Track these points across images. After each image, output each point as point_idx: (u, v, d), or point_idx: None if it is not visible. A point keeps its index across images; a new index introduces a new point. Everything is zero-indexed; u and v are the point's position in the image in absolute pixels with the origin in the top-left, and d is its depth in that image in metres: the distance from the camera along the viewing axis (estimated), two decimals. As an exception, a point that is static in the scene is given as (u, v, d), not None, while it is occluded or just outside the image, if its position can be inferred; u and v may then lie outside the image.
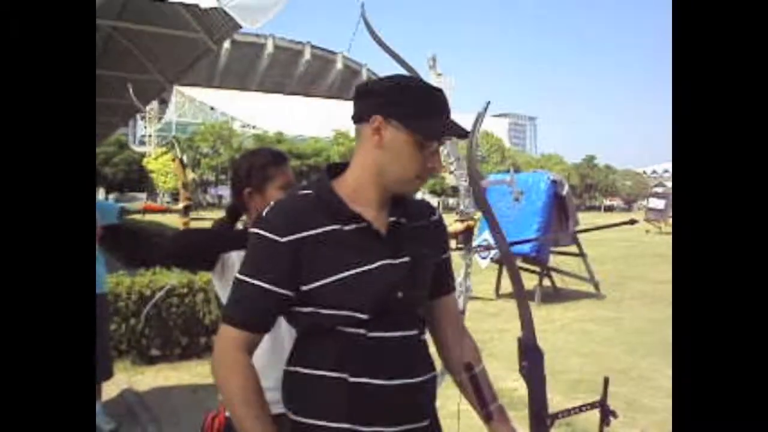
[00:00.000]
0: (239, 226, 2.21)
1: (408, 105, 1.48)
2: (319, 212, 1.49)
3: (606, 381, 1.67)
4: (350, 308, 1.46)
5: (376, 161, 1.50)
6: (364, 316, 1.46)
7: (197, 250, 2.13)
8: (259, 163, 2.11)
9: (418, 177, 1.53)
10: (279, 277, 1.45)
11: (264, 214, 1.50)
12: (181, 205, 4.46)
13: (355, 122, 1.54)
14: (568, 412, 1.62)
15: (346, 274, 1.45)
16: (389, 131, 1.48)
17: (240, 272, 1.49)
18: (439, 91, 1.53)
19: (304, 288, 1.46)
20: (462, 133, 1.55)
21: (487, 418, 1.59)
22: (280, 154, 2.18)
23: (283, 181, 2.11)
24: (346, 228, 1.48)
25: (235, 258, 2.03)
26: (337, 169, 1.59)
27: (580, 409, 1.65)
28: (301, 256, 1.45)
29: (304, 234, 1.46)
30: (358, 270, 1.46)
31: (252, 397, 1.44)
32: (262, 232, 1.47)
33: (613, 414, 1.66)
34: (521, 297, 1.62)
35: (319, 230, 1.47)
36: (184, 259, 2.30)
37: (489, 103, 1.66)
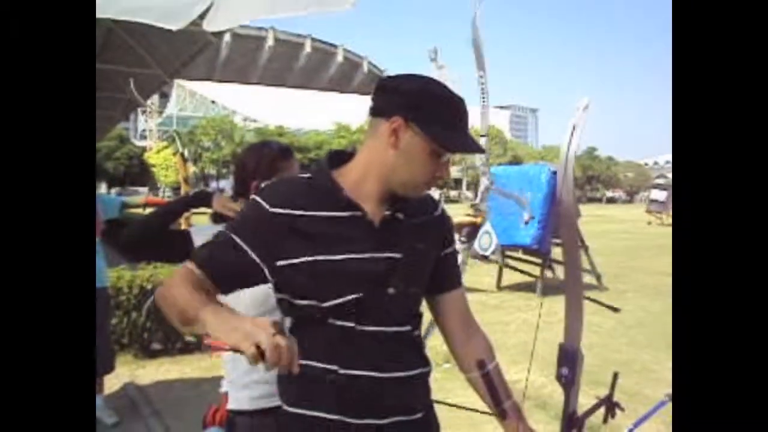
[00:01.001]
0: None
1: (432, 112, 1.44)
2: (314, 196, 1.48)
3: (615, 376, 1.66)
4: (329, 294, 1.44)
5: (387, 160, 1.47)
6: (345, 300, 1.44)
7: (154, 231, 2.14)
8: (268, 156, 2.14)
9: (426, 183, 1.52)
10: (255, 241, 1.45)
11: (263, 185, 1.55)
12: None
13: (372, 115, 1.51)
14: (588, 413, 1.61)
15: (328, 258, 1.44)
16: (408, 135, 1.44)
17: (225, 226, 1.52)
18: (462, 102, 1.50)
19: (280, 263, 1.45)
20: (476, 150, 1.54)
21: (502, 416, 1.57)
22: (288, 149, 2.22)
23: (290, 174, 2.12)
24: (339, 215, 1.47)
25: None
26: (340, 157, 1.57)
27: (596, 406, 1.64)
28: (284, 230, 1.44)
29: (294, 212, 1.45)
30: (342, 257, 1.44)
31: (195, 289, 1.39)
32: (256, 198, 1.49)
33: (619, 407, 1.65)
34: (575, 300, 1.51)
35: (310, 212, 1.46)
36: (148, 249, 2.29)
37: (588, 105, 1.60)
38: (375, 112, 1.50)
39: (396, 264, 1.49)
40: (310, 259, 1.43)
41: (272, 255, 1.45)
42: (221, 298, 2.08)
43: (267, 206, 1.46)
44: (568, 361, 1.37)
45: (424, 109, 1.44)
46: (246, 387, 2.03)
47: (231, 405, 2.06)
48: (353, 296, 1.45)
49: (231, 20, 2.75)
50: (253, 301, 2.00)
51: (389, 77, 1.55)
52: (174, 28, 2.49)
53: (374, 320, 1.48)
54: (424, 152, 1.45)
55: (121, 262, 7.17)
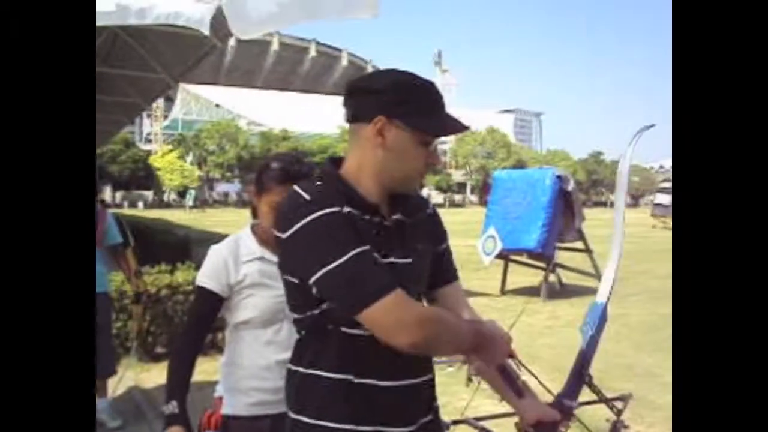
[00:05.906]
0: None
1: (411, 103, 1.45)
2: (339, 197, 1.45)
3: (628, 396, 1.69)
4: None
5: (377, 162, 1.48)
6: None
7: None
8: (268, 175, 2.02)
9: (420, 174, 1.54)
10: (359, 238, 1.39)
11: (307, 199, 1.41)
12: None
13: (350, 122, 1.51)
14: (580, 402, 1.63)
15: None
16: (393, 132, 1.45)
17: (325, 262, 1.36)
18: (433, 85, 1.52)
19: None
20: (462, 129, 1.53)
21: (519, 395, 1.58)
22: (287, 176, 1.98)
23: (277, 201, 1.86)
24: (365, 217, 1.47)
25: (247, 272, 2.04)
26: (336, 163, 1.56)
27: (606, 401, 1.66)
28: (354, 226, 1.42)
29: (346, 209, 1.42)
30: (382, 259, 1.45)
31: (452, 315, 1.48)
32: (318, 214, 1.39)
33: (624, 425, 1.67)
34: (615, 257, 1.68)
35: (346, 210, 1.43)
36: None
37: (652, 125, 1.71)
38: (353, 118, 1.50)
39: (407, 267, 1.50)
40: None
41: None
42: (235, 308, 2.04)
43: (338, 208, 1.40)
44: (591, 313, 1.53)
45: (401, 102, 1.45)
46: (243, 393, 2.03)
47: (226, 410, 2.06)
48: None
49: (261, 27, 2.76)
50: (261, 313, 2.00)
51: (355, 81, 1.53)
52: None
53: None
54: (413, 144, 1.47)
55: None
